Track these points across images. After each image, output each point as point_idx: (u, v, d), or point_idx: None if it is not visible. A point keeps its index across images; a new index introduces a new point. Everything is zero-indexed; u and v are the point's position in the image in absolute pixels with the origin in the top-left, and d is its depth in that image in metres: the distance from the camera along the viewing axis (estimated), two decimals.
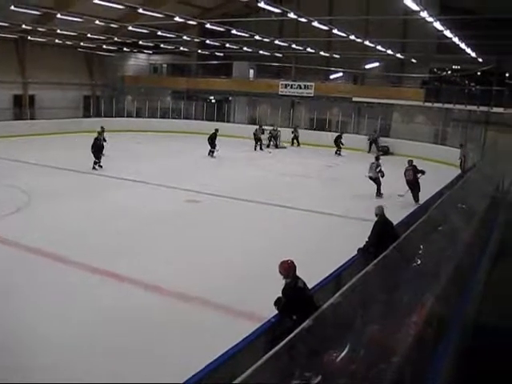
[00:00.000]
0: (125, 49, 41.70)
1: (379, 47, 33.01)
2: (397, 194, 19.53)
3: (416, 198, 18.69)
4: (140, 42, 37.63)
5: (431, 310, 4.89)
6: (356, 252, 9.87)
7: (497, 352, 6.63)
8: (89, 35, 33.69)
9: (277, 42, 34.46)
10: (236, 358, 5.95)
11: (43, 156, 25.35)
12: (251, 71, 43.94)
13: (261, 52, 38.66)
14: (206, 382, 5.51)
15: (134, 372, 7.44)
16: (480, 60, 34.24)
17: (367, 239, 9.92)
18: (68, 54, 38.90)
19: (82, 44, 37.25)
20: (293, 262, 7.10)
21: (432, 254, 6.38)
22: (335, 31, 27.87)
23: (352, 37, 29.09)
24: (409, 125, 36.36)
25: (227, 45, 37.42)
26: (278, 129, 35.95)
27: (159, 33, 32.30)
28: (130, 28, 30.49)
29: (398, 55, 35.57)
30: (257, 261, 12.04)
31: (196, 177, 22.67)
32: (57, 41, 35.00)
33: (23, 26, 30.04)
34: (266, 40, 33.02)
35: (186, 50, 41.39)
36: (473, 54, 32.55)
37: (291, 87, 39.67)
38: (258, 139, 33.33)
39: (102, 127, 24.85)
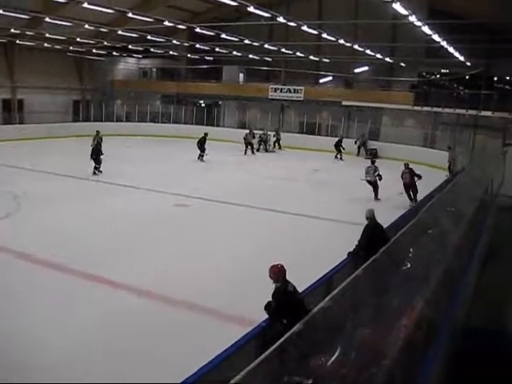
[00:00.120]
0: (114, 53, 41.67)
1: (368, 51, 33.18)
2: (392, 195, 20.11)
3: (415, 199, 19.08)
4: (130, 47, 37.60)
5: (421, 313, 4.90)
6: (346, 256, 9.88)
7: (486, 355, 6.66)
8: (78, 39, 33.63)
9: (266, 46, 34.57)
10: (227, 362, 5.94)
11: (38, 161, 25.33)
12: (241, 75, 43.98)
13: (250, 56, 38.70)
14: None
15: (126, 376, 7.41)
16: (468, 64, 34.46)
17: (357, 243, 9.93)
18: (57, 58, 38.77)
19: (71, 48, 37.21)
20: (283, 266, 7.09)
21: (422, 257, 6.39)
22: (324, 35, 27.98)
23: (341, 41, 29.20)
24: (398, 128, 36.49)
25: (217, 49, 37.42)
26: (268, 133, 36.04)
27: (149, 37, 32.26)
28: (120, 32, 30.47)
29: (387, 59, 35.73)
30: (246, 265, 12.04)
31: (185, 181, 22.67)
32: (46, 45, 34.90)
33: (12, 30, 29.90)
34: (255, 44, 33.10)
35: (175, 54, 41.36)
36: (461, 58, 32.80)
37: (281, 91, 39.72)
38: (248, 143, 33.33)
39: (97, 131, 25.00)
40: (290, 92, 39.31)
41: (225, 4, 23.03)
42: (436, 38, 26.09)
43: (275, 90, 39.90)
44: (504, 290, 9.42)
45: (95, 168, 23.09)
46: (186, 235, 14.78)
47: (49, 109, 36.84)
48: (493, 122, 30.23)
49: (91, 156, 23.19)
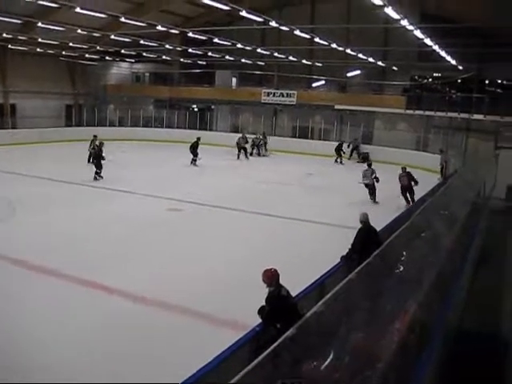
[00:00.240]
0: (107, 57, 41.58)
1: (361, 55, 33.26)
2: (387, 198, 20.40)
3: (412, 199, 19.50)
4: (122, 51, 37.54)
5: (414, 316, 4.91)
6: (339, 259, 9.89)
7: (479, 358, 6.68)
8: (71, 44, 33.53)
9: (259, 50, 34.57)
10: (220, 367, 5.93)
11: (32, 166, 25.26)
12: (234, 79, 44.04)
13: (243, 60, 38.73)
14: None
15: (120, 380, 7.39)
16: (460, 67, 34.65)
17: (350, 246, 9.94)
18: (50, 62, 38.70)
19: (63, 53, 37.08)
20: (276, 271, 7.09)
21: (415, 260, 6.41)
22: (317, 39, 28.02)
23: (334, 45, 29.25)
24: (391, 132, 36.63)
25: (209, 53, 37.42)
26: (261, 137, 36.08)
27: (141, 41, 32.22)
28: (113, 37, 30.39)
29: (380, 63, 35.81)
30: (240, 269, 12.02)
31: (179, 186, 22.66)
32: (38, 50, 34.80)
33: (4, 35, 29.81)
34: (248, 48, 33.10)
35: (168, 58, 41.33)
36: (453, 62, 32.95)
37: (274, 95, 39.77)
38: (241, 148, 33.32)
39: (94, 136, 25.11)
40: (283, 96, 39.37)
41: (217, 8, 23.03)
42: (428, 41, 26.20)
43: (268, 94, 39.97)
44: (497, 294, 9.45)
45: (96, 173, 23.05)
46: (179, 240, 14.77)
47: (41, 113, 36.73)
48: (485, 125, 30.35)
49: (92, 161, 23.36)
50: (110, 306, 10.06)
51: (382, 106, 35.96)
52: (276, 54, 36.04)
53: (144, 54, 39.16)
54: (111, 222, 16.32)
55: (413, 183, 19.68)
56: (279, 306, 6.81)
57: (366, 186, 20.74)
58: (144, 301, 10.23)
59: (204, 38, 31.18)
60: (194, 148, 28.87)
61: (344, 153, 33.79)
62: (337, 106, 37.52)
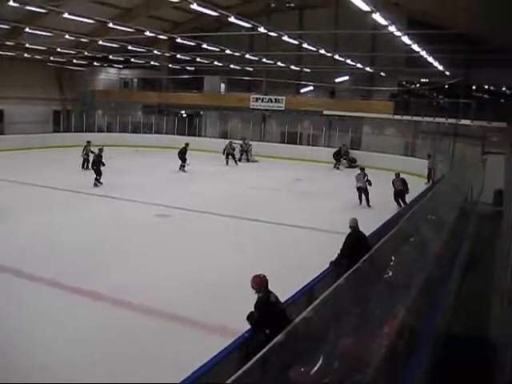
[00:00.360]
0: (95, 63, 41.43)
1: (349, 61, 33.38)
2: (378, 202, 20.74)
3: (404, 202, 19.99)
4: (110, 57, 37.46)
5: (403, 321, 4.93)
6: (328, 265, 9.89)
7: (467, 363, 6.70)
8: (59, 49, 33.40)
9: (247, 56, 34.63)
10: (209, 373, 5.91)
11: (22, 173, 25.02)
12: (222, 85, 44.01)
13: (232, 66, 38.76)
14: None
15: None
16: (447, 73, 34.88)
17: (339, 252, 9.95)
18: (37, 68, 38.50)
19: (51, 58, 36.93)
20: (265, 277, 7.10)
21: (403, 265, 6.43)
22: (305, 45, 28.13)
23: (322, 51, 29.37)
24: (379, 137, 36.75)
25: (198, 59, 37.43)
26: (250, 143, 36.08)
27: (130, 47, 32.18)
28: (101, 42, 30.32)
29: (368, 69, 35.97)
30: (229, 275, 11.96)
31: (167, 191, 22.64)
32: (26, 55, 34.61)
33: None
34: (236, 54, 33.15)
35: (156, 64, 41.32)
36: (440, 68, 33.16)
37: (262, 101, 39.81)
38: (228, 154, 33.25)
39: (88, 142, 25.18)
40: (272, 102, 39.43)
41: (206, 14, 23.05)
42: (415, 47, 26.38)
43: (256, 99, 40.01)
44: (485, 298, 9.49)
45: (96, 179, 23.03)
46: (167, 246, 14.72)
47: (29, 119, 36.45)
48: (472, 130, 30.63)
49: (92, 167, 23.35)
50: (96, 313, 10.00)
51: (370, 112, 36.11)
52: (264, 60, 36.10)
53: (132, 59, 39.13)
54: (98, 228, 16.23)
55: (405, 190, 20.35)
56: (268, 312, 6.81)
57: (358, 189, 21.07)
58: (131, 307, 10.19)
59: (192, 43, 31.17)
60: (182, 154, 28.85)
61: (345, 159, 34.00)
62: (325, 112, 37.61)
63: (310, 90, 42.74)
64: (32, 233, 15.20)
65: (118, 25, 25.41)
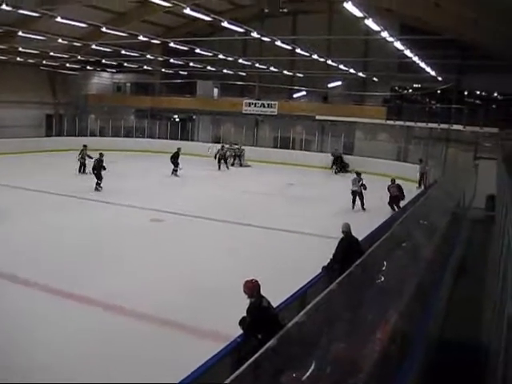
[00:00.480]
0: (88, 67, 41.41)
1: (342, 66, 33.51)
2: (371, 206, 20.95)
3: (398, 207, 20.12)
4: (103, 61, 37.47)
5: (395, 326, 4.92)
6: (321, 270, 9.89)
7: (460, 368, 6.70)
8: (52, 53, 33.38)
9: (240, 60, 34.72)
10: (202, 378, 5.90)
11: (15, 177, 24.83)
12: (215, 90, 44.03)
13: (225, 71, 38.83)
14: None
15: None
16: (440, 79, 35.04)
17: (332, 257, 9.96)
18: (30, 72, 38.36)
19: (44, 62, 36.82)
20: (257, 282, 7.10)
21: (395, 270, 6.43)
22: (298, 50, 28.22)
23: (315, 56, 29.47)
24: (372, 142, 36.83)
25: (191, 64, 37.49)
26: (242, 147, 36.10)
27: (123, 51, 32.20)
28: (94, 46, 30.32)
29: (360, 74, 36.10)
30: (221, 280, 11.96)
31: (160, 196, 22.62)
32: (19, 59, 34.52)
33: None
34: (229, 59, 33.23)
35: (149, 68, 41.32)
36: (433, 73, 33.32)
37: (255, 106, 39.82)
38: (220, 159, 33.20)
39: (84, 146, 25.29)
40: (264, 107, 39.44)
41: (199, 19, 23.09)
42: (408, 53, 26.51)
43: (249, 104, 40.02)
44: (477, 303, 9.50)
45: (97, 184, 23.03)
46: (160, 250, 14.70)
47: (21, 123, 36.36)
48: (464, 135, 30.73)
49: (93, 171, 23.36)
50: (88, 318, 9.96)
51: (362, 117, 36.20)
52: (257, 65, 36.20)
53: (125, 63, 39.12)
54: (92, 233, 16.18)
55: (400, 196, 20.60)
56: (260, 317, 6.80)
57: (353, 193, 21.30)
58: (123, 312, 10.16)
59: (185, 48, 31.21)
60: (174, 158, 28.84)
61: (347, 164, 34.18)
62: (318, 117, 37.69)
63: (303, 95, 42.84)
64: (26, 237, 15.15)
65: (111, 29, 25.43)
